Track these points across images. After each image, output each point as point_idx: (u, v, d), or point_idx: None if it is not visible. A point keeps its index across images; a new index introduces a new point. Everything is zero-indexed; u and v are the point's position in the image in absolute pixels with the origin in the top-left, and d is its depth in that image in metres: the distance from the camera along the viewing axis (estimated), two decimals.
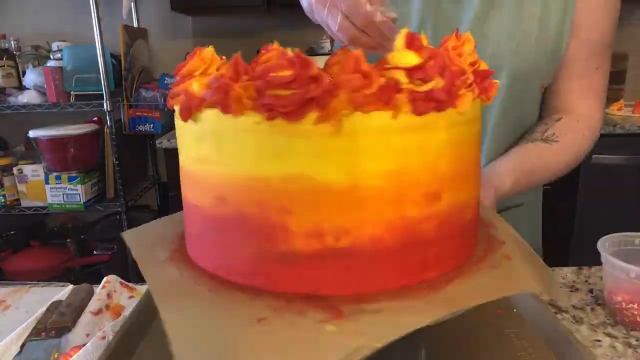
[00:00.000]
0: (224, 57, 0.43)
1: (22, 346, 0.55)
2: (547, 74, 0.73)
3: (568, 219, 1.85)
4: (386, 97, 0.34)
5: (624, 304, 0.57)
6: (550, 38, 0.70)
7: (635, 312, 0.56)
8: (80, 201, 1.88)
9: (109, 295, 0.66)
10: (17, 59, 2.03)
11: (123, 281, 0.70)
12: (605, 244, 0.60)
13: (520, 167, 0.69)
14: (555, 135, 0.72)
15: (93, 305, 0.63)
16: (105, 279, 0.69)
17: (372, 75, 0.35)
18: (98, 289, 0.67)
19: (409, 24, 0.73)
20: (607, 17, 0.73)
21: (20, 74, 2.02)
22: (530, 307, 0.55)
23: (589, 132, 0.75)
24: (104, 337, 0.54)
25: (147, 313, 0.58)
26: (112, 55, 1.93)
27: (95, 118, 2.01)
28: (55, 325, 0.57)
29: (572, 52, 0.72)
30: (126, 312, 0.62)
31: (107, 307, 0.64)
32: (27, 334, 0.57)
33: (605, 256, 0.58)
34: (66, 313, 0.59)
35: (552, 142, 0.71)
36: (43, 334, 0.56)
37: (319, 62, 0.37)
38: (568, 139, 0.72)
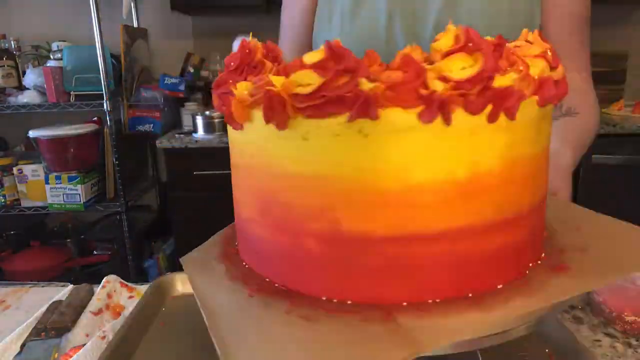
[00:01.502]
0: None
1: (22, 346, 0.55)
2: None
3: None
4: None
5: (614, 312, 0.56)
6: (522, 11, 0.71)
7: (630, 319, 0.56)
8: (80, 201, 1.88)
9: (109, 295, 0.66)
10: (17, 59, 2.03)
11: (123, 281, 0.70)
12: None
13: (569, 137, 0.68)
14: (573, 108, 0.72)
15: (93, 305, 0.63)
16: (105, 279, 0.69)
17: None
18: (98, 289, 0.67)
19: (375, 22, 0.74)
20: None
21: (20, 74, 2.02)
22: None
23: (594, 100, 0.76)
24: (104, 337, 0.54)
25: (147, 313, 0.58)
26: (112, 55, 1.93)
27: (95, 118, 2.01)
28: (55, 325, 0.57)
29: (555, 30, 0.72)
30: (126, 312, 0.62)
31: (107, 307, 0.64)
32: (27, 334, 0.57)
33: None
34: (66, 313, 0.59)
35: (575, 114, 0.71)
36: (43, 334, 0.56)
37: None
38: (586, 107, 0.73)
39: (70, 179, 1.85)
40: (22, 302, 0.70)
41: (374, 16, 0.74)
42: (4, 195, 1.92)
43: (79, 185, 1.86)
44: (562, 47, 0.74)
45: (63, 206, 1.89)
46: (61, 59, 1.91)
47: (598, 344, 0.54)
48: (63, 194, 1.87)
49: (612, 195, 1.80)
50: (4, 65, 1.97)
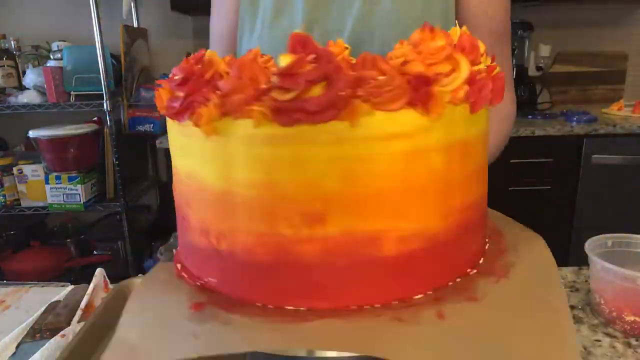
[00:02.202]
0: None
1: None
2: None
3: (568, 218, 1.85)
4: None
5: (614, 312, 0.56)
6: (436, 17, 0.71)
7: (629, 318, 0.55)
8: (80, 201, 1.88)
9: (94, 290, 0.64)
10: (17, 59, 2.03)
11: (106, 278, 0.68)
12: (591, 245, 0.60)
13: None
14: None
15: (84, 303, 0.62)
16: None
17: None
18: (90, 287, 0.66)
19: (293, 31, 0.73)
20: (502, 7, 0.74)
21: (20, 74, 2.02)
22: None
23: (505, 114, 0.76)
24: (63, 336, 0.54)
25: (107, 316, 0.56)
26: (112, 55, 1.93)
27: (95, 118, 2.01)
28: (50, 326, 0.57)
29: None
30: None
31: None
32: (24, 335, 0.57)
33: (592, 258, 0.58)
34: (62, 314, 0.59)
35: None
36: (38, 335, 0.56)
37: None
38: (494, 119, 0.73)
39: (70, 179, 1.85)
40: (22, 302, 0.69)
41: (292, 26, 0.73)
42: (4, 195, 1.92)
43: (79, 185, 1.86)
44: None
45: (63, 206, 1.89)
46: (61, 59, 1.91)
47: (598, 344, 0.54)
48: (63, 194, 1.87)
49: (612, 195, 1.80)
50: (4, 65, 1.97)
